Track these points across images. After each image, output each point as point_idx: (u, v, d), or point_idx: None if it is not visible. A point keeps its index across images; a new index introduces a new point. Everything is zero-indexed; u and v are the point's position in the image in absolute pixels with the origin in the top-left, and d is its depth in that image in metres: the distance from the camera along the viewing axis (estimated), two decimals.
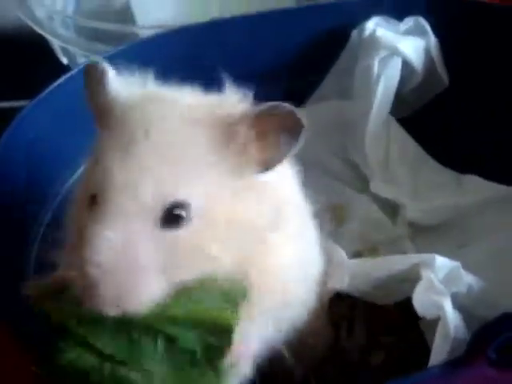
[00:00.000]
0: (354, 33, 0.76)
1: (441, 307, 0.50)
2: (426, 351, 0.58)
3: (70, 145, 0.63)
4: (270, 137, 0.41)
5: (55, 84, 0.66)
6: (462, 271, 0.53)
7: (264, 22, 0.76)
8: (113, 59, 0.68)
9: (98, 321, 0.39)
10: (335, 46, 0.77)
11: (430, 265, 0.53)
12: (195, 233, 0.40)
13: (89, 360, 0.39)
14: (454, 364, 0.42)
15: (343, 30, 0.77)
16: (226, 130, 0.41)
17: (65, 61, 0.94)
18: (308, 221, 0.53)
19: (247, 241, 0.43)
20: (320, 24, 0.77)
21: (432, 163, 0.77)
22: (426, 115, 0.78)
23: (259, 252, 0.44)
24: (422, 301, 0.52)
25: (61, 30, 0.91)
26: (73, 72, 0.67)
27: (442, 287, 0.51)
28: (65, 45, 0.89)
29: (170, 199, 0.39)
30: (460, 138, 0.75)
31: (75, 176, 0.64)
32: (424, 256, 0.54)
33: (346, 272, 0.56)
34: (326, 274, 0.56)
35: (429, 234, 0.71)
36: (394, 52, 0.73)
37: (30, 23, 0.89)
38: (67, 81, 0.67)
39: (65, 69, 0.94)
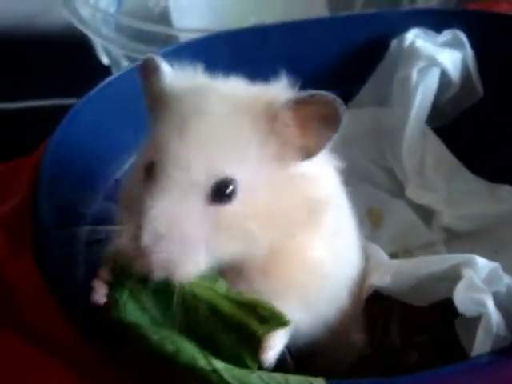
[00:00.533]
0: (394, 43, 0.78)
1: (484, 304, 0.51)
2: (460, 353, 0.60)
3: (119, 139, 0.66)
4: (310, 124, 0.44)
5: (105, 82, 0.69)
6: (502, 272, 0.55)
7: (304, 29, 0.79)
8: None
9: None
10: (374, 56, 0.79)
11: (471, 265, 0.55)
12: (239, 209, 0.43)
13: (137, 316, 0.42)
14: (501, 353, 0.44)
15: (382, 39, 0.79)
16: (269, 115, 0.44)
17: (105, 61, 0.97)
18: (347, 218, 0.55)
19: (280, 230, 0.45)
20: (359, 33, 0.79)
21: (466, 173, 0.79)
22: (460, 126, 0.80)
23: (288, 244, 0.46)
24: (463, 299, 0.53)
25: (104, 30, 0.94)
26: (122, 71, 0.72)
27: (483, 286, 0.53)
28: (107, 44, 0.92)
29: (219, 175, 0.42)
30: (493, 151, 0.77)
31: (124, 168, 0.67)
32: (464, 256, 0.56)
33: (388, 270, 0.57)
34: (364, 273, 0.58)
35: (462, 240, 0.72)
36: (433, 63, 0.75)
37: (75, 21, 0.91)
38: (116, 79, 0.70)
39: (105, 70, 0.97)
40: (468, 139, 0.79)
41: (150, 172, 0.43)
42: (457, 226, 0.73)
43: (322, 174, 0.49)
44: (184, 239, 0.41)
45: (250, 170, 0.43)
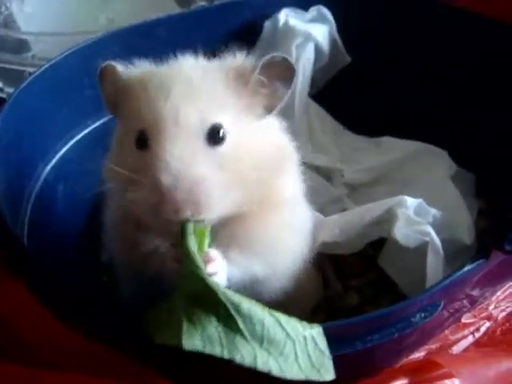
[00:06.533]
0: (267, 23, 0.85)
1: (426, 233, 0.61)
2: (392, 285, 0.69)
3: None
4: (273, 83, 0.52)
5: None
6: (426, 205, 0.65)
7: (186, 21, 0.83)
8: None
9: None
10: (250, 38, 0.85)
11: (403, 204, 0.64)
12: (230, 151, 0.49)
13: None
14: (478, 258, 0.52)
15: (256, 22, 0.86)
16: (240, 77, 0.51)
17: None
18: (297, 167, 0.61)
19: (265, 173, 0.51)
20: (235, 19, 0.85)
21: (348, 133, 0.89)
22: (333, 92, 0.89)
23: (272, 189, 0.53)
24: (406, 233, 0.62)
25: None
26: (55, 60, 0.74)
27: (419, 219, 0.62)
28: None
29: (211, 121, 0.48)
30: (368, 108, 0.87)
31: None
32: (396, 199, 0.65)
33: (335, 224, 0.64)
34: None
35: (362, 192, 0.82)
36: (309, 38, 0.83)
37: None
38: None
39: None
40: (342, 103, 0.88)
41: (143, 140, 0.48)
42: (356, 180, 0.82)
43: (276, 126, 0.56)
44: (198, 176, 0.46)
45: (231, 119, 0.50)
